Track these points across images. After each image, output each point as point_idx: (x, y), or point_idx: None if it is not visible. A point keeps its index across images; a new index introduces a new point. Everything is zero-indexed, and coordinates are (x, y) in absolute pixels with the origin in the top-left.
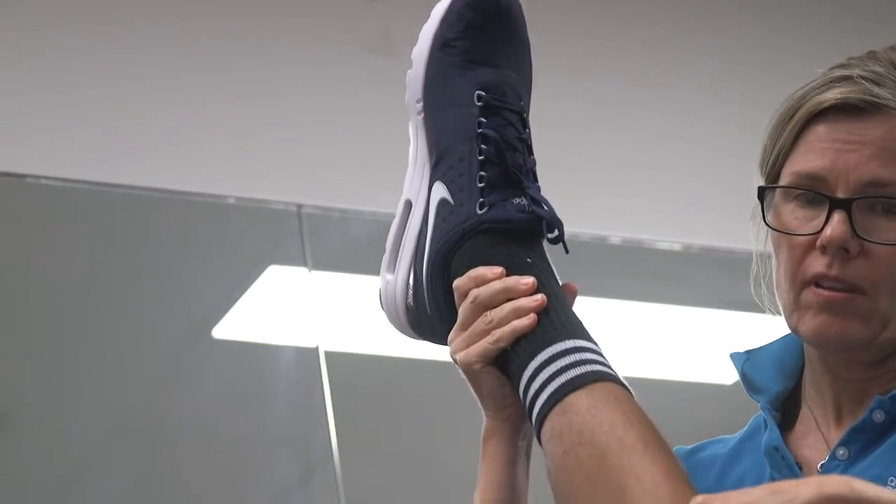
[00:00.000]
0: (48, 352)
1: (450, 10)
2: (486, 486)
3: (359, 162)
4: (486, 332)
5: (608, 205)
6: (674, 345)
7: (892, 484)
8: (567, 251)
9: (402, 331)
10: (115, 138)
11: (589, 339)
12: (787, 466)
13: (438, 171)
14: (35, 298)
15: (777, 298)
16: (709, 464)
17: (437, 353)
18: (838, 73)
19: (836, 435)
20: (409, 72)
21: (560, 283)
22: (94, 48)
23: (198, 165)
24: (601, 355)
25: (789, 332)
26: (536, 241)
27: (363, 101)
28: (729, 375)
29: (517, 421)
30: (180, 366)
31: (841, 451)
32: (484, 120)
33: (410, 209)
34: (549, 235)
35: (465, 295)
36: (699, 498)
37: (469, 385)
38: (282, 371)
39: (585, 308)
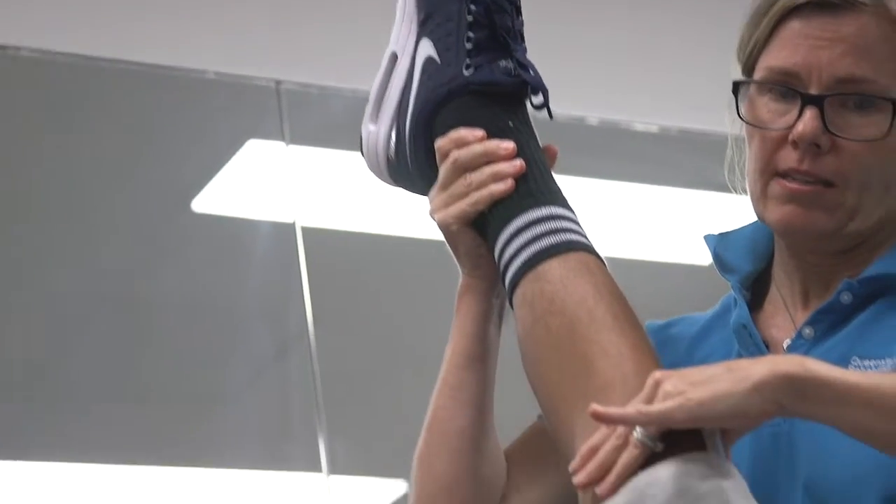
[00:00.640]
0: (29, 224)
1: None
2: (459, 338)
3: (338, 39)
4: (465, 195)
5: (586, 86)
6: (650, 225)
7: (855, 364)
8: (551, 116)
9: (381, 179)
10: (96, 10)
11: (566, 206)
12: (755, 344)
13: (426, 28)
14: (14, 171)
15: (746, 184)
16: (679, 339)
17: (415, 230)
18: None
19: (803, 315)
20: None
21: (541, 148)
22: None
23: (178, 40)
24: (577, 224)
25: None
26: (521, 105)
27: None
28: (703, 256)
29: (492, 279)
30: (160, 238)
31: (807, 331)
32: None
33: (396, 61)
34: (534, 100)
35: (446, 155)
36: (658, 374)
37: (446, 243)
38: (259, 246)
39: (562, 187)
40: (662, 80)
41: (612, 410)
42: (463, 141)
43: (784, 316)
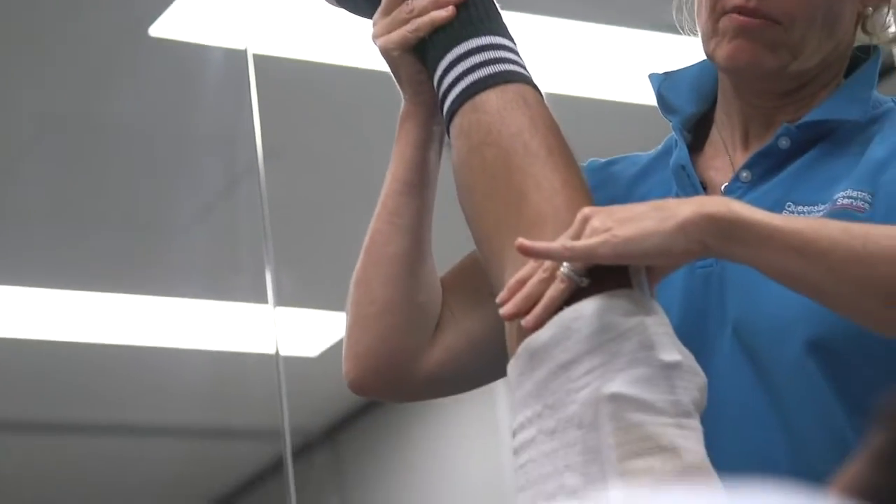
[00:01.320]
0: None
1: None
2: (398, 164)
3: None
4: (407, 21)
5: None
6: (597, 63)
7: (789, 209)
8: None
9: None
10: None
11: (506, 36)
12: (692, 185)
13: None
14: None
15: (697, 25)
16: (620, 178)
17: (367, 61)
18: None
19: (742, 158)
20: None
21: None
22: None
23: None
24: (516, 54)
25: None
26: None
27: None
28: (649, 96)
29: (433, 106)
30: (115, 62)
31: (744, 174)
32: None
33: None
34: None
35: None
36: (586, 210)
37: (389, 69)
38: (210, 73)
39: (512, 24)
40: None
41: (539, 245)
42: None
43: (723, 158)
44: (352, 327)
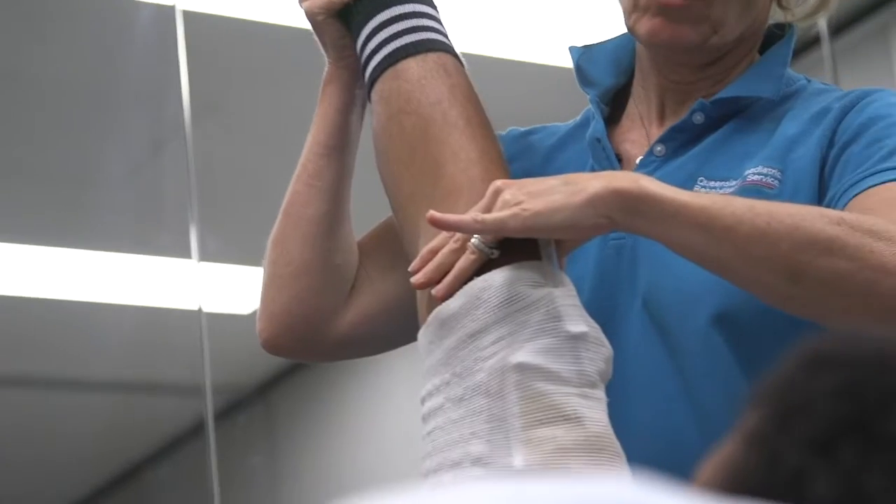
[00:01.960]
0: None
1: None
2: (320, 127)
3: None
4: None
5: None
6: (522, 24)
7: (702, 184)
8: None
9: None
10: None
11: (429, 3)
12: (607, 159)
13: None
14: None
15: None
16: (538, 148)
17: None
18: None
19: (657, 132)
20: None
21: None
22: None
23: None
24: (438, 22)
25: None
26: None
27: None
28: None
29: (356, 70)
30: (46, 17)
31: (659, 148)
32: None
33: None
34: None
35: None
36: (498, 182)
37: (313, 32)
38: (139, 29)
39: None
40: None
41: (449, 217)
42: None
43: (639, 132)
44: (267, 287)
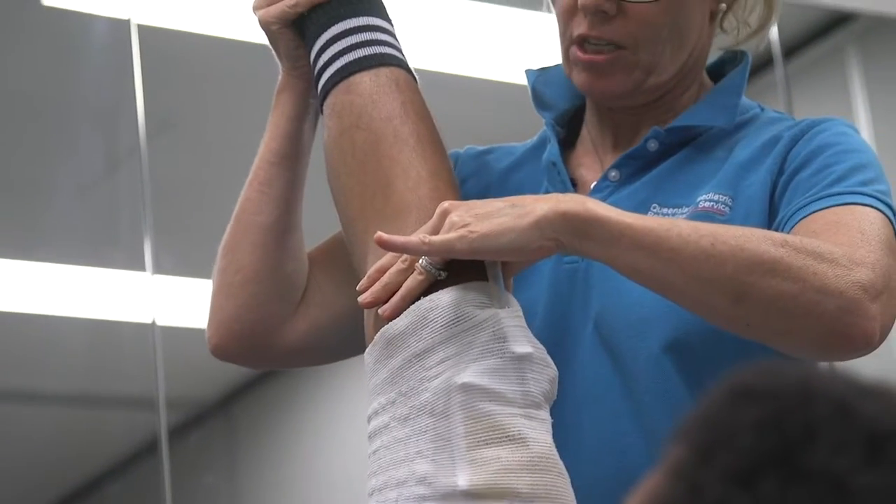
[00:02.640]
0: None
1: None
2: (273, 135)
3: None
4: None
5: None
6: (482, 43)
7: (654, 210)
8: None
9: None
10: None
11: (384, 17)
12: (562, 182)
13: None
14: None
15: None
16: (494, 166)
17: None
18: None
19: (611, 158)
20: None
21: None
22: None
23: None
24: (393, 36)
25: None
26: None
27: None
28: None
29: (310, 79)
30: (5, 30)
31: (613, 174)
32: None
33: None
34: None
35: None
36: (446, 204)
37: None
38: (95, 43)
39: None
40: None
41: (396, 239)
42: None
43: (593, 157)
44: (216, 294)
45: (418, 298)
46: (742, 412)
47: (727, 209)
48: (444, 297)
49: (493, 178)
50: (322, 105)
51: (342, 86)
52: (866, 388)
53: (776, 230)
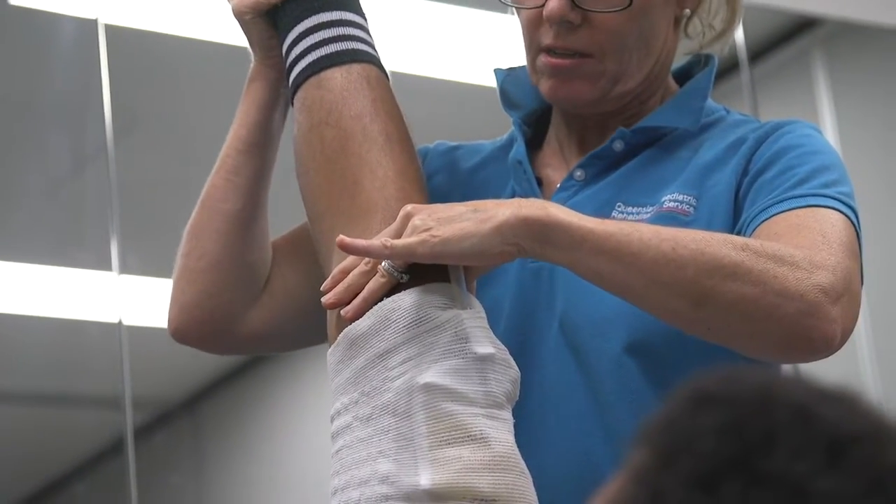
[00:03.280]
0: None
1: None
2: (242, 123)
3: None
4: None
5: None
6: (452, 44)
7: (619, 209)
8: None
9: None
10: None
11: (358, 12)
12: (528, 181)
13: None
14: None
15: None
16: (461, 163)
17: (219, 35)
18: None
19: (577, 158)
20: None
21: None
22: None
23: None
24: (366, 32)
25: None
26: None
27: None
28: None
29: (282, 69)
30: None
31: (578, 173)
32: None
33: None
34: None
35: None
36: (409, 207)
37: (241, 30)
38: (62, 42)
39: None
40: None
41: (359, 242)
42: None
43: (559, 157)
44: (179, 278)
45: (381, 299)
46: (703, 417)
47: (691, 209)
48: (406, 299)
49: (460, 175)
50: (293, 99)
51: (313, 80)
52: (827, 393)
53: (739, 231)
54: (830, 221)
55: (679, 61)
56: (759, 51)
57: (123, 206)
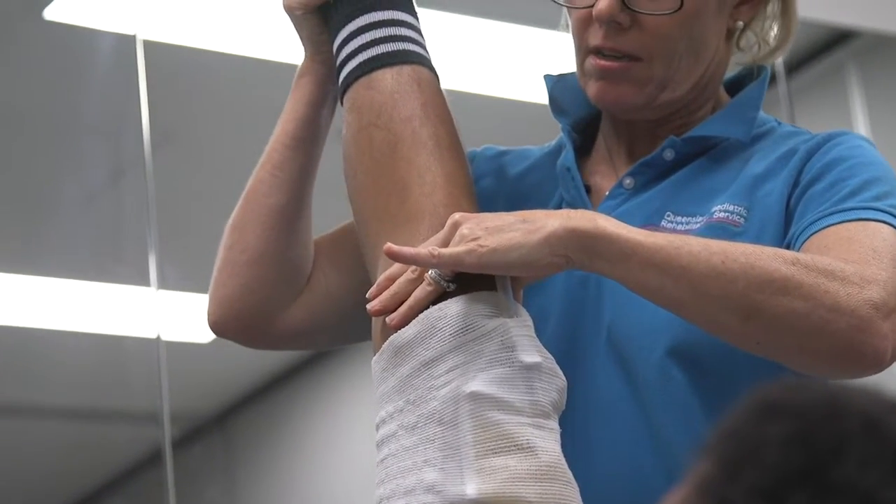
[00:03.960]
0: None
1: None
2: (289, 119)
3: None
4: None
5: None
6: (497, 61)
7: (668, 218)
8: None
9: None
10: None
11: (410, 11)
12: (576, 188)
13: None
14: None
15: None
16: (509, 169)
17: (256, 50)
18: None
19: (626, 166)
20: None
21: None
22: None
23: None
24: (418, 32)
25: None
26: None
27: None
28: (543, 95)
29: (332, 66)
30: (8, 44)
31: (628, 181)
32: None
33: None
34: None
35: None
36: (457, 215)
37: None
38: (101, 58)
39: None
40: None
41: (406, 250)
42: None
43: (608, 164)
44: (221, 270)
45: (426, 307)
46: (770, 427)
47: (742, 220)
48: (452, 307)
49: (507, 180)
50: (342, 98)
51: (363, 81)
52: (893, 404)
53: (788, 244)
54: (881, 235)
55: (730, 72)
56: (796, 63)
57: (161, 221)
